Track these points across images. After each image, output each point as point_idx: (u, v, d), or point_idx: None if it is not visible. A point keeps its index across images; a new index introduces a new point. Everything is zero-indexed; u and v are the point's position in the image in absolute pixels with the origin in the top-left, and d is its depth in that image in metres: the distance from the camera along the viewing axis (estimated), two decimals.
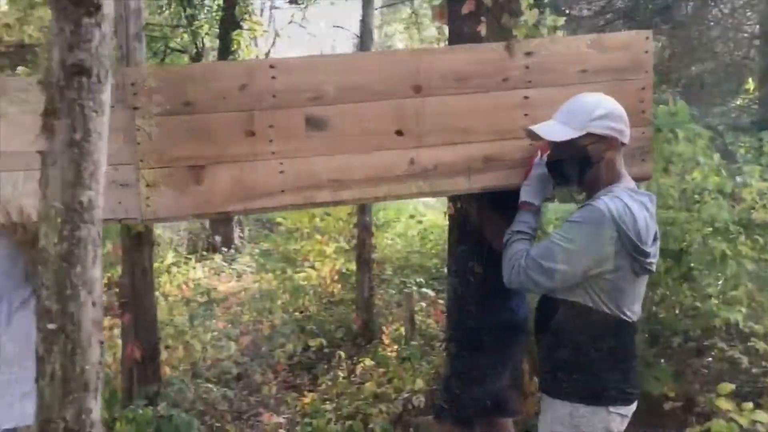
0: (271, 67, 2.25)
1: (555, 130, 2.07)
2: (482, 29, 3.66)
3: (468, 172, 2.27)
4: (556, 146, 2.11)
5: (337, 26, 24.93)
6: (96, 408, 1.04)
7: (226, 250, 9.95)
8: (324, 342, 5.69)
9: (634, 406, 2.16)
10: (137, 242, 4.42)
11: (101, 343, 1.05)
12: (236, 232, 10.95)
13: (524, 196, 2.21)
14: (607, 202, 1.98)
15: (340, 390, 4.64)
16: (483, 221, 2.59)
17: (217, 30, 10.50)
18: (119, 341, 5.81)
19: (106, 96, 1.03)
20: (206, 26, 10.80)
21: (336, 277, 7.56)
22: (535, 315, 2.29)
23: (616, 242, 1.96)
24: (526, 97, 2.25)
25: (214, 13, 10.90)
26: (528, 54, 2.23)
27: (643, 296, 2.17)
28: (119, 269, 4.75)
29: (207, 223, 10.88)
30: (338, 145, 2.25)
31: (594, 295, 2.03)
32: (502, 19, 3.65)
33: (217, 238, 10.23)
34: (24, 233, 2.31)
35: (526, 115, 2.24)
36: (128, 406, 3.93)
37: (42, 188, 0.99)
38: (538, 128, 2.09)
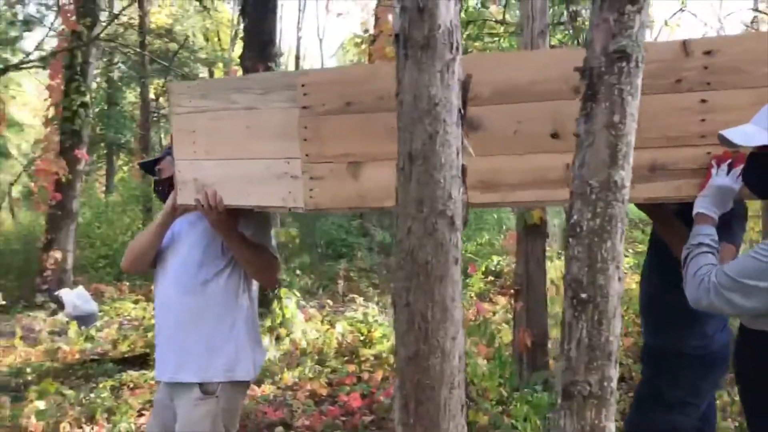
0: None
1: (751, 134, 1.76)
2: None
3: (632, 180, 1.92)
4: (753, 154, 1.81)
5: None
6: (615, 377, 1.12)
7: None
8: None
9: None
10: (532, 233, 4.61)
11: (622, 316, 1.11)
12: None
13: (700, 207, 1.94)
14: None
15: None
16: (668, 234, 2.24)
17: None
18: (506, 326, 6.15)
19: (640, 80, 1.08)
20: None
21: None
22: (734, 350, 1.99)
23: None
24: (703, 101, 1.93)
25: None
26: (707, 53, 1.92)
27: None
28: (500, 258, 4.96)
29: None
30: (491, 146, 2.12)
31: None
32: None
33: None
34: (215, 214, 2.57)
35: (702, 120, 1.93)
36: (521, 389, 4.12)
37: (577, 167, 1.09)
38: (730, 132, 1.78)
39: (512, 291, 5.00)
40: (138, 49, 14.95)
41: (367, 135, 2.31)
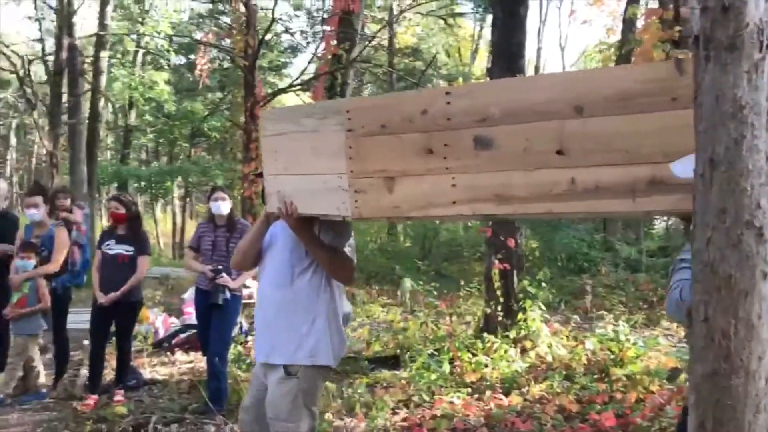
0: (447, 93, 2.48)
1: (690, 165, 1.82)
2: None
3: (632, 194, 2.09)
4: None
5: None
6: None
7: None
8: None
9: None
10: None
11: None
12: None
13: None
14: None
15: None
16: None
17: None
18: None
19: None
20: None
21: None
22: None
23: None
24: None
25: None
26: None
27: None
28: None
29: None
30: (502, 162, 2.33)
31: None
32: None
33: None
34: (292, 221, 3.01)
35: None
36: None
37: None
38: (675, 164, 1.91)
39: None
40: (389, 68, 15.88)
41: (399, 153, 2.61)
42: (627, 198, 2.11)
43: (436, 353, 6.24)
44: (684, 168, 1.86)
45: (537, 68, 24.83)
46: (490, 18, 20.16)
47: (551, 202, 2.26)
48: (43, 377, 5.94)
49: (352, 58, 10.85)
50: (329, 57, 10.99)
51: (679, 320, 1.96)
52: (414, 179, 2.58)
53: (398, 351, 6.66)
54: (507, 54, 6.84)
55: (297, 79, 13.86)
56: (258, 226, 3.32)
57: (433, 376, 5.64)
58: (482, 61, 25.93)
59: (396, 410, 5.05)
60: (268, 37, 13.61)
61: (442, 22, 19.61)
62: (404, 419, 4.86)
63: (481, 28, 25.06)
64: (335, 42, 10.69)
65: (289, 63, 20.09)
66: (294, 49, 18.30)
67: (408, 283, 10.26)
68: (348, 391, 5.37)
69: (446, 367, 5.83)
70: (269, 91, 14.70)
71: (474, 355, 6.15)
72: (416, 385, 5.49)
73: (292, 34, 18.01)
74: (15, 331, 5.81)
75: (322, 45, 11.61)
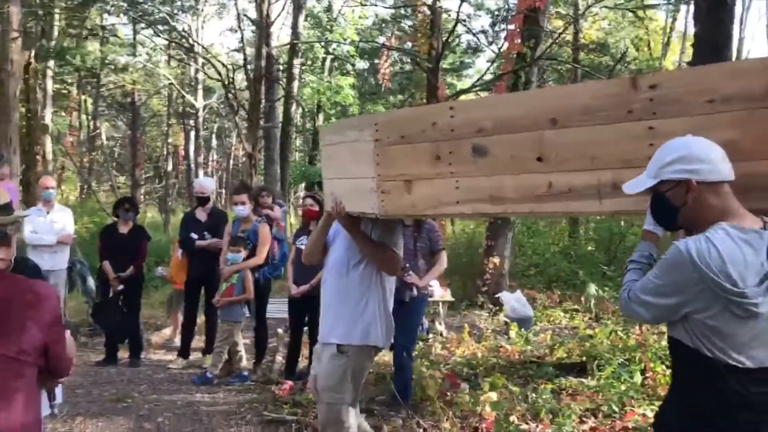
0: (451, 108, 2.91)
1: (634, 181, 2.11)
2: None
3: (599, 196, 2.33)
4: (653, 193, 2.08)
5: None
6: None
7: None
8: None
9: None
10: None
11: None
12: None
13: (646, 224, 2.21)
14: (688, 241, 1.94)
15: None
16: None
17: None
18: None
19: None
20: None
21: None
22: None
23: (697, 283, 1.91)
24: (650, 128, 2.19)
25: None
26: (652, 87, 2.19)
27: None
28: None
29: None
30: (494, 168, 2.66)
31: (693, 335, 1.99)
32: None
33: None
34: (341, 218, 3.46)
35: (651, 145, 2.16)
36: None
37: None
38: (626, 184, 2.14)
39: None
40: (574, 65, 15.37)
41: (414, 160, 3.00)
42: (594, 199, 2.36)
43: (627, 363, 5.95)
44: (633, 186, 2.10)
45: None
46: (684, 9, 18.80)
47: (533, 203, 2.56)
48: (245, 361, 6.45)
49: (537, 56, 10.62)
50: (513, 55, 10.81)
51: (628, 315, 2.24)
52: (426, 182, 2.97)
53: (584, 358, 6.43)
54: (712, 47, 6.34)
55: (479, 79, 13.87)
56: (321, 224, 3.75)
57: (623, 387, 5.38)
58: (674, 55, 24.26)
59: (583, 419, 4.88)
60: (450, 38, 13.72)
61: (630, 14, 18.61)
62: (592, 429, 4.69)
63: (674, 19, 23.44)
64: (519, 40, 10.50)
65: (470, 64, 20.09)
66: (475, 50, 18.28)
67: (593, 288, 9.87)
68: (532, 396, 5.28)
69: (638, 378, 5.54)
70: (449, 92, 14.82)
71: (668, 367, 5.79)
72: (605, 394, 5.27)
73: (474, 35, 18.01)
74: (221, 318, 6.38)
75: (506, 44, 11.46)
